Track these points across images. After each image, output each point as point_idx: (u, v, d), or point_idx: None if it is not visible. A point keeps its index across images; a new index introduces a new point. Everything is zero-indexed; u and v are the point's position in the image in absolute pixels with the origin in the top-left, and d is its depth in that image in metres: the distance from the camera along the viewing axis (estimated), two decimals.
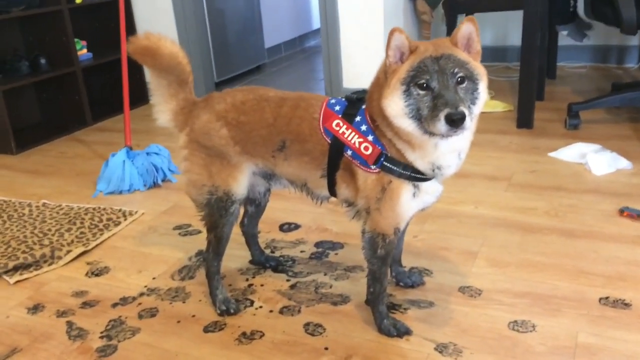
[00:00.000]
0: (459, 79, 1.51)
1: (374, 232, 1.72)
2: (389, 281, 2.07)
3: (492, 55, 4.94)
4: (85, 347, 1.87)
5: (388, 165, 1.64)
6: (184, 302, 2.07)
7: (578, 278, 2.02)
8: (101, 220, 2.71)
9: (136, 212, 2.78)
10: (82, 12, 4.43)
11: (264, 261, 2.25)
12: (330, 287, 2.09)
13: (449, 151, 1.62)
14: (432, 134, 1.52)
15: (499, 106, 3.91)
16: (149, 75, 1.93)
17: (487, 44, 4.96)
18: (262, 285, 2.14)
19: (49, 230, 2.65)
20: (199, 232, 2.57)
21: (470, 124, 1.50)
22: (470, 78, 1.53)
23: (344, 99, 1.75)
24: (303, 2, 6.74)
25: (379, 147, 1.65)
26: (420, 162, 1.62)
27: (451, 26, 4.29)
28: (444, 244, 2.31)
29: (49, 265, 2.37)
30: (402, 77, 1.52)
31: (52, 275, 2.32)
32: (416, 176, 1.64)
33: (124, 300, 2.11)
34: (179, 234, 2.58)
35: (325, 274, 2.17)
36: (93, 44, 4.54)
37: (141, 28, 4.67)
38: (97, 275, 2.30)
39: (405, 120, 1.53)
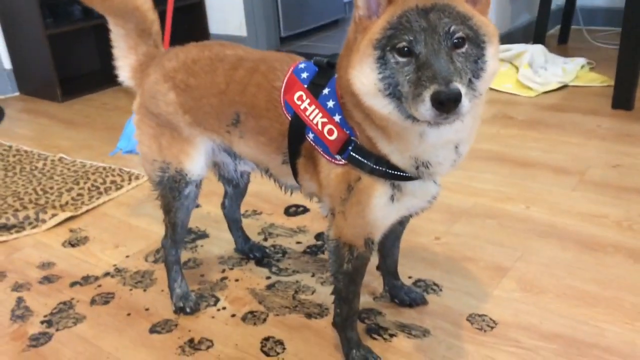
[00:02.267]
0: (457, 41, 1.04)
1: (339, 241, 1.31)
2: (382, 295, 1.66)
3: (605, 17, 4.15)
4: (21, 332, 1.65)
5: (356, 156, 1.21)
6: (144, 291, 1.79)
7: (635, 323, 1.49)
8: (104, 182, 2.49)
9: (143, 177, 2.53)
10: None
11: (248, 251, 1.91)
12: (313, 292, 1.71)
13: (440, 143, 1.16)
14: (415, 119, 1.06)
15: (596, 80, 3.23)
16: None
17: (600, 4, 4.16)
18: (236, 280, 1.80)
19: (51, 188, 2.47)
20: (198, 205, 2.27)
21: (470, 106, 1.03)
22: (473, 40, 1.06)
23: (314, 63, 1.32)
24: None
25: (347, 132, 1.22)
26: (398, 157, 1.18)
27: None
28: (471, 252, 1.84)
29: (32, 228, 2.19)
30: (375, 38, 1.07)
31: (30, 240, 2.13)
32: (394, 173, 1.20)
33: (85, 280, 1.86)
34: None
35: (312, 275, 1.79)
36: None
37: None
38: (73, 245, 2.08)
39: (378, 100, 1.09)
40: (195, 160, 1.51)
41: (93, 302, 1.75)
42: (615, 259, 1.74)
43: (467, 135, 1.20)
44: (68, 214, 2.25)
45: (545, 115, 2.87)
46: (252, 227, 2.07)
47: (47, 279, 1.88)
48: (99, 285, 1.83)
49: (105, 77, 4.09)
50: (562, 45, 3.91)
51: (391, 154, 1.18)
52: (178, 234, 1.62)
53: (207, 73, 1.41)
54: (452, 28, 1.04)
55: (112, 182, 2.50)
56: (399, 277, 1.64)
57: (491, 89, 3.24)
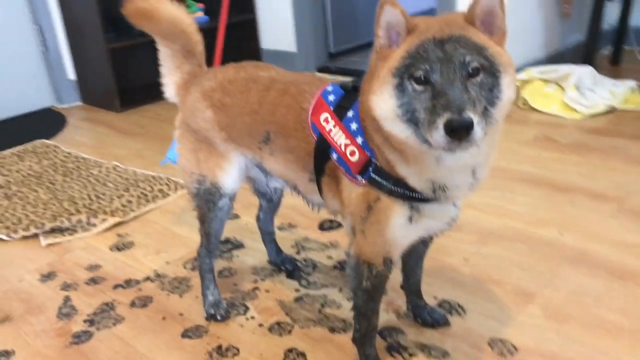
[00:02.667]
0: (472, 71, 1.09)
1: (359, 259, 1.37)
2: (405, 314, 1.70)
3: None
4: (65, 329, 1.77)
5: (376, 178, 1.27)
6: (180, 296, 1.89)
7: None
8: (152, 190, 2.63)
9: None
10: None
11: (280, 263, 1.98)
12: (339, 307, 1.76)
13: (456, 168, 1.20)
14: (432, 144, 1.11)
15: None
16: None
17: None
18: (267, 291, 1.88)
19: (104, 194, 2.63)
20: (238, 216, 2.37)
21: (483, 133, 1.07)
22: (488, 69, 1.10)
23: (340, 87, 1.38)
24: None
25: (368, 154, 1.28)
26: (415, 179, 1.23)
27: (599, 2, 3.54)
28: (498, 275, 1.85)
29: (84, 231, 2.34)
30: (395, 67, 1.13)
31: (81, 243, 2.28)
32: (412, 195, 1.25)
33: (127, 283, 1.98)
34: None
35: (340, 290, 1.84)
36: (213, 8, 4.50)
37: None
38: (119, 249, 2.21)
39: (397, 124, 1.15)
40: (230, 174, 1.60)
41: (132, 304, 1.86)
42: None
43: (483, 160, 1.23)
44: (117, 219, 2.39)
45: (589, 138, 2.83)
46: (286, 240, 2.15)
47: (93, 280, 2.01)
48: (139, 289, 1.94)
49: (161, 89, 4.28)
50: (613, 67, 3.84)
51: (409, 177, 1.23)
52: (212, 244, 1.71)
53: (242, 93, 1.50)
54: (467, 58, 1.08)
55: (160, 190, 2.63)
56: (422, 297, 1.67)
57: (536, 110, 3.24)
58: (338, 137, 1.31)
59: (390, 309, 1.73)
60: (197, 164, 1.62)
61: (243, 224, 2.31)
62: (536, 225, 2.11)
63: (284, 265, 1.97)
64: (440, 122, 1.04)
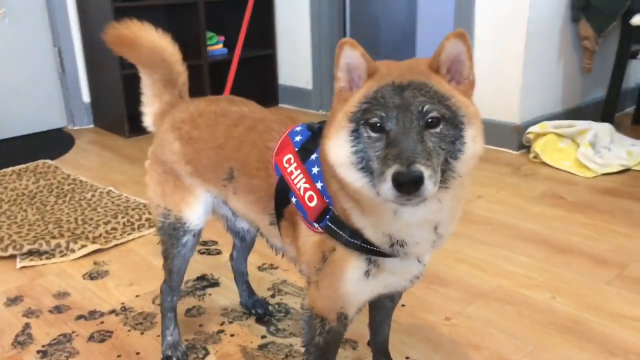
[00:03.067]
0: (431, 121, 1.01)
1: (312, 313, 1.27)
2: None
3: None
4: (17, 358, 1.70)
5: (332, 227, 1.18)
6: (142, 334, 1.80)
7: None
8: (139, 219, 2.57)
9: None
10: (224, 7, 4.42)
11: (251, 306, 1.88)
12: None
13: (416, 223, 1.11)
14: None
15: None
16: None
17: None
18: (232, 335, 1.78)
19: (91, 219, 2.58)
20: (219, 252, 2.29)
21: (436, 188, 0.98)
22: (450, 120, 1.02)
23: (307, 128, 1.31)
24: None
25: (327, 200, 1.19)
26: (371, 232, 1.14)
27: (622, 60, 3.44)
28: (479, 339, 1.72)
29: (61, 256, 2.28)
30: (351, 111, 1.06)
31: (56, 268, 2.22)
32: (370, 248, 1.15)
33: (91, 315, 1.90)
34: (199, 250, 2.32)
35: None
36: (232, 40, 4.52)
37: (281, 27, 4.54)
38: (92, 278, 2.14)
39: (351, 172, 1.06)
40: (195, 210, 1.53)
41: (91, 338, 1.78)
42: None
43: (447, 216, 1.14)
44: (96, 246, 2.33)
45: (598, 198, 2.69)
46: (264, 281, 2.05)
47: (58, 309, 1.94)
48: (102, 322, 1.86)
49: None
50: (635, 126, 3.70)
51: (365, 228, 1.14)
52: (174, 281, 1.63)
53: (210, 127, 1.44)
54: (426, 107, 1.00)
55: (147, 219, 2.57)
56: (390, 356, 1.55)
57: (547, 164, 3.12)
58: (298, 180, 1.24)
59: None
60: (163, 196, 1.55)
61: (224, 262, 2.22)
62: (529, 287, 1.98)
63: (255, 308, 1.87)
64: (389, 174, 0.96)
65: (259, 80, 4.71)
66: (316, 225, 1.21)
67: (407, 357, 1.64)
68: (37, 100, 4.02)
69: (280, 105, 4.68)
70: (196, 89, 4.54)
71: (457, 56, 1.06)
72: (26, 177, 3.13)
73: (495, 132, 3.39)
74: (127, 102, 3.82)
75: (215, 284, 2.08)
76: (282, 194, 1.27)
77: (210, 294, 2.01)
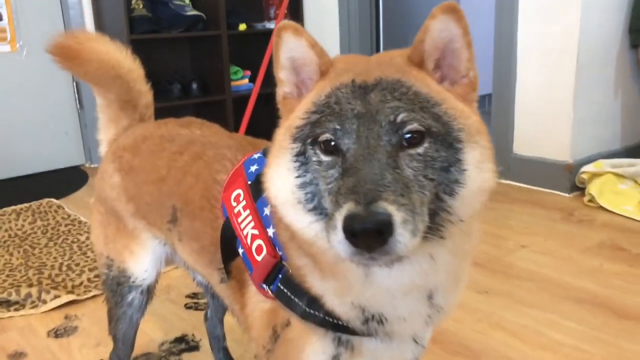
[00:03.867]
0: (409, 137, 0.68)
1: None
2: None
3: None
4: None
5: (286, 292, 0.84)
6: None
7: None
8: None
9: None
10: (250, 41, 4.22)
11: None
12: None
13: (398, 289, 0.76)
14: None
15: None
16: None
17: None
18: None
19: (77, 265, 2.32)
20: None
21: (416, 241, 0.64)
22: (440, 136, 0.69)
23: (263, 154, 0.98)
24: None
25: (279, 253, 0.85)
26: (335, 301, 0.79)
27: None
28: None
29: (31, 307, 2.00)
30: (295, 126, 0.74)
31: (22, 321, 1.94)
32: (336, 323, 0.80)
33: None
34: (186, 304, 2.00)
35: None
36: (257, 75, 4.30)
37: None
38: (57, 336, 1.84)
39: (299, 214, 0.74)
40: (141, 261, 1.21)
41: None
42: None
43: (446, 280, 0.78)
44: (71, 297, 2.04)
45: None
46: (249, 348, 1.70)
47: None
48: None
49: None
50: None
51: (326, 296, 0.79)
52: (120, 349, 1.32)
53: (152, 154, 1.14)
54: (402, 116, 0.67)
55: None
56: None
57: (604, 209, 2.67)
58: (246, 225, 0.91)
59: None
60: (105, 243, 1.25)
61: None
62: None
63: None
64: (339, 218, 0.63)
65: (273, 118, 4.45)
66: (266, 287, 0.87)
67: None
68: (54, 136, 3.87)
69: None
70: (220, 124, 4.27)
71: (449, 43, 0.72)
72: (25, 216, 2.92)
73: (543, 172, 2.98)
74: None
75: (194, 347, 1.74)
76: (228, 242, 0.94)
77: None
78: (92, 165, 4.01)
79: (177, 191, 1.06)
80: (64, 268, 2.29)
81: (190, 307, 1.98)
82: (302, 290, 0.81)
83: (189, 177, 1.04)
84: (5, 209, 3.06)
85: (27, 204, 3.13)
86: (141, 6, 3.64)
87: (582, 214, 2.69)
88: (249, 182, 0.94)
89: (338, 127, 0.68)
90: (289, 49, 0.76)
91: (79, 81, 3.85)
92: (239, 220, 0.91)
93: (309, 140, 0.71)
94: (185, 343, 1.76)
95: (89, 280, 2.18)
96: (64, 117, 3.91)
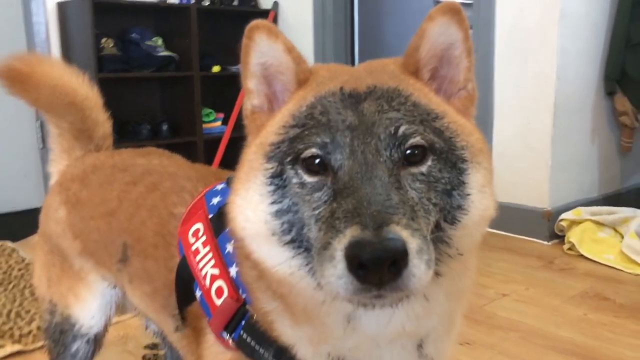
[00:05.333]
0: (411, 152, 0.59)
1: None
2: None
3: None
4: None
5: (250, 340, 0.71)
6: None
7: None
8: None
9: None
10: (223, 83, 4.15)
11: None
12: None
13: (385, 337, 0.65)
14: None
15: None
16: None
17: None
18: None
19: (28, 312, 2.14)
20: None
21: (429, 274, 0.54)
22: (443, 154, 0.60)
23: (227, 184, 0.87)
24: None
25: (242, 296, 0.73)
26: (308, 351, 0.68)
27: None
28: None
29: None
30: (270, 143, 0.64)
31: None
32: None
33: None
34: (144, 356, 1.83)
35: None
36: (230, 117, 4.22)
37: None
38: None
39: (271, 250, 0.63)
40: (87, 306, 1.08)
41: None
42: None
43: (439, 325, 0.66)
44: (17, 348, 1.86)
45: None
46: None
47: None
48: None
49: None
50: None
51: (298, 345, 0.68)
52: None
53: (102, 185, 1.02)
54: (404, 129, 0.58)
55: None
56: None
57: (586, 258, 2.59)
58: (205, 263, 0.78)
59: None
60: (48, 285, 1.11)
61: None
62: None
63: None
64: (339, 247, 0.52)
65: None
66: (226, 335, 0.74)
67: None
68: (12, 177, 3.69)
69: None
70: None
71: (449, 50, 0.64)
72: None
73: (521, 219, 2.91)
74: None
75: None
76: (184, 284, 0.82)
77: None
78: None
79: (128, 226, 0.94)
80: (12, 315, 2.11)
81: None
82: (268, 338, 0.69)
83: (143, 210, 0.92)
84: None
85: None
86: (111, 45, 3.55)
87: (562, 262, 2.61)
88: (210, 216, 0.83)
89: (327, 140, 0.58)
90: (261, 53, 0.66)
91: (43, 121, 3.71)
92: (198, 258, 0.79)
93: (288, 159, 0.61)
94: None
95: (38, 328, 1.99)
96: (25, 157, 3.74)
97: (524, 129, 2.89)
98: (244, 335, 0.71)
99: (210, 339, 0.78)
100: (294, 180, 0.61)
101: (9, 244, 2.99)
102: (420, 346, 0.66)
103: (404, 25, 4.54)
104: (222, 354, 0.76)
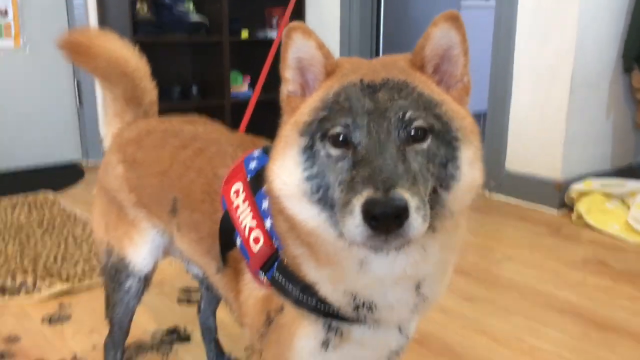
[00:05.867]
0: (415, 132, 0.74)
1: None
2: None
3: None
4: None
5: (281, 279, 0.89)
6: None
7: None
8: None
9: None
10: (251, 48, 4.28)
11: None
12: None
13: (390, 278, 0.81)
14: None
15: None
16: None
17: None
18: None
19: (72, 255, 2.35)
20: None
21: (425, 226, 0.70)
22: (441, 135, 0.76)
23: (264, 152, 1.04)
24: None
25: (275, 244, 0.90)
26: (328, 288, 0.84)
27: None
28: None
29: (26, 294, 2.04)
30: (303, 122, 0.80)
31: (16, 308, 1.97)
32: (328, 311, 0.85)
33: None
34: (179, 298, 2.04)
35: None
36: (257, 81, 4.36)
37: None
38: (50, 322, 1.88)
39: (304, 206, 0.79)
40: (140, 249, 1.26)
41: None
42: None
43: (434, 271, 0.83)
44: (67, 286, 2.08)
45: None
46: (242, 339, 1.74)
47: (2, 355, 1.68)
48: None
49: None
50: None
51: (320, 284, 0.85)
52: (116, 334, 1.36)
53: (155, 148, 1.19)
54: (410, 114, 0.73)
55: None
56: None
57: (591, 227, 2.73)
58: (244, 217, 0.96)
59: None
60: (106, 230, 1.29)
61: None
62: None
63: None
64: (357, 204, 0.68)
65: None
66: (261, 275, 0.92)
67: None
68: (53, 132, 3.91)
69: None
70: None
71: (449, 50, 0.79)
72: (20, 208, 2.95)
73: (533, 188, 3.05)
74: None
75: (185, 339, 1.78)
76: (226, 234, 0.99)
77: (176, 351, 1.72)
78: (89, 163, 4.04)
79: (178, 184, 1.11)
80: (59, 259, 2.33)
81: (182, 301, 2.02)
82: (296, 278, 0.86)
83: (191, 171, 1.10)
84: (1, 199, 3.10)
85: (23, 196, 3.16)
86: (146, 10, 3.69)
87: (569, 230, 2.75)
88: (249, 177, 1.00)
89: (349, 121, 0.74)
90: (297, 49, 0.81)
91: (80, 79, 3.90)
92: (238, 212, 0.97)
93: (318, 135, 0.76)
94: (177, 334, 1.80)
95: (83, 271, 2.21)
96: (64, 114, 3.95)
97: (541, 102, 3.00)
98: (276, 275, 0.89)
99: (247, 277, 0.96)
100: (322, 152, 0.77)
101: (50, 194, 3.22)
102: (418, 287, 0.83)
103: (428, 8, 4.58)
104: (258, 290, 0.94)
